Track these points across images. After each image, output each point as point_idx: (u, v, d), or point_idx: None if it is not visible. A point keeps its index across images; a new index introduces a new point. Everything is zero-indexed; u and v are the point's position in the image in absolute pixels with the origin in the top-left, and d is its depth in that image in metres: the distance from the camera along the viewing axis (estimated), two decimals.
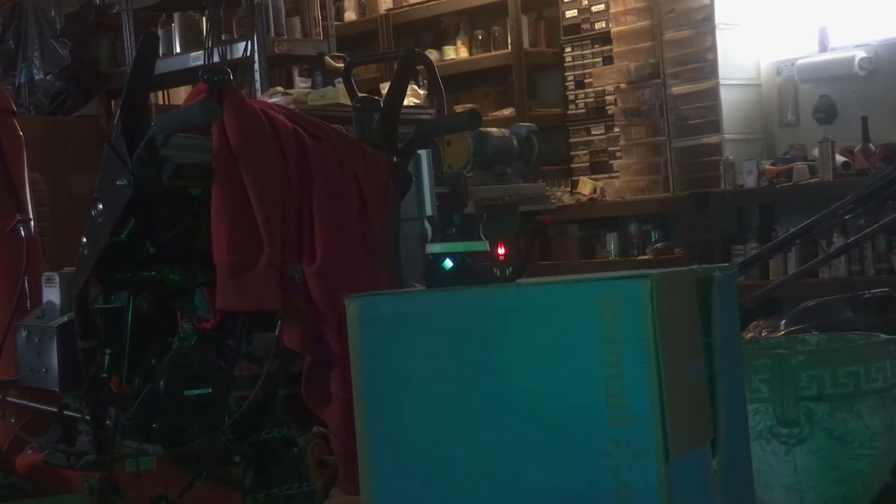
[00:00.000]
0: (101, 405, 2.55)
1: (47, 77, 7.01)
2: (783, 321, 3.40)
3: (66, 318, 2.67)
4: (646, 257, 6.65)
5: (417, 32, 8.20)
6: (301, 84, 6.56)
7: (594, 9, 7.09)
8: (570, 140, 7.31)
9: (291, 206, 2.46)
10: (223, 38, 6.18)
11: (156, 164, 2.38)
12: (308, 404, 2.55)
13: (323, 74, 6.32)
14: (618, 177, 6.95)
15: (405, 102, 3.09)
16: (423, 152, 3.68)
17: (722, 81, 6.42)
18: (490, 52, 7.71)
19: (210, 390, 2.53)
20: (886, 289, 3.46)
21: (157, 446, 2.56)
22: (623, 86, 6.83)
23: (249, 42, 6.01)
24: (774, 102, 6.57)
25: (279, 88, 5.99)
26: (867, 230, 4.24)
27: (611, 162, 7.08)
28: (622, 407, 1.56)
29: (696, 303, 1.74)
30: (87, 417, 2.58)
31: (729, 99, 6.46)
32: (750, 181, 6.23)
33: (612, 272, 1.66)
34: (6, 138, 3.13)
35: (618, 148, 6.96)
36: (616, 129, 6.95)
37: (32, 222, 3.11)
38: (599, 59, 7.10)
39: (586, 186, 7.04)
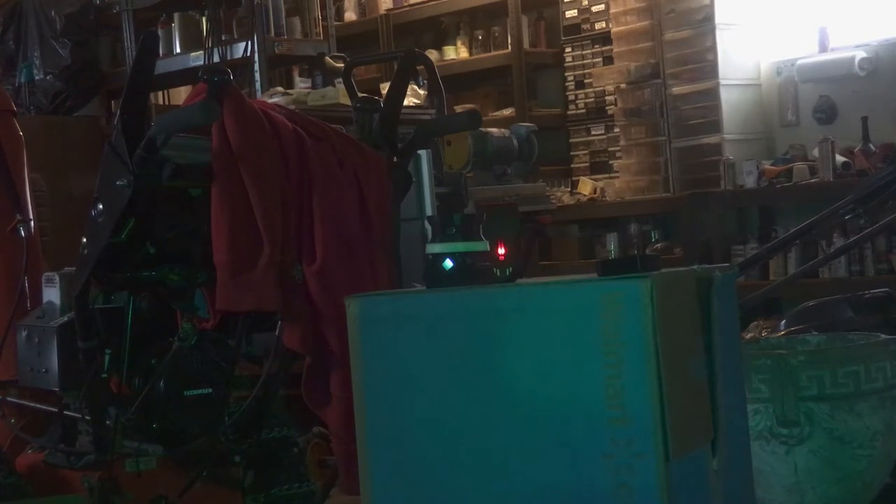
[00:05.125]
0: (101, 405, 2.55)
1: (47, 77, 7.01)
2: (783, 321, 3.39)
3: (66, 318, 2.67)
4: None
5: (417, 32, 8.20)
6: (301, 84, 6.56)
7: (594, 9, 7.08)
8: (570, 140, 7.31)
9: (291, 206, 2.46)
10: (223, 38, 6.17)
11: (156, 164, 2.38)
12: (308, 404, 2.55)
13: (323, 74, 6.32)
14: (618, 177, 6.95)
15: (405, 102, 3.09)
16: (423, 152, 3.68)
17: (722, 81, 6.42)
18: (490, 52, 7.70)
19: (210, 390, 2.53)
20: (886, 289, 3.46)
21: (157, 446, 2.56)
22: (623, 86, 6.82)
23: (249, 42, 6.01)
24: (774, 102, 6.56)
25: (279, 88, 5.98)
26: (867, 230, 4.24)
27: (611, 162, 7.07)
28: (622, 407, 1.56)
29: (696, 303, 1.74)
30: (87, 417, 2.58)
31: (729, 99, 6.45)
32: (750, 181, 6.23)
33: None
34: (6, 138, 3.13)
35: (618, 148, 6.96)
36: (616, 129, 6.95)
37: (32, 222, 3.11)
38: (599, 59, 7.10)
39: (586, 186, 7.04)
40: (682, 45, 6.58)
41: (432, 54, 7.16)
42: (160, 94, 7.47)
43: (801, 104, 6.46)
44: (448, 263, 1.76)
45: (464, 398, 1.66)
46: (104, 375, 2.52)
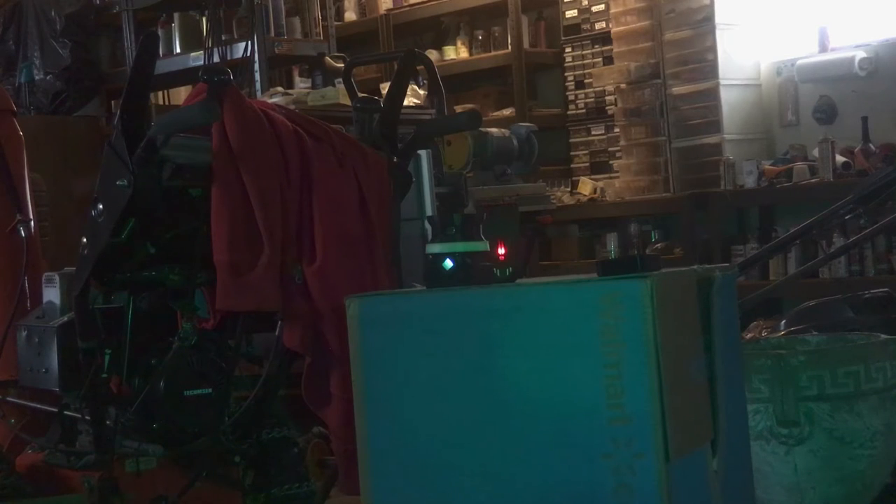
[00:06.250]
0: (101, 405, 2.55)
1: (47, 77, 7.01)
2: (783, 321, 3.40)
3: (66, 318, 2.67)
4: None
5: (417, 32, 8.20)
6: (301, 84, 6.56)
7: (594, 9, 7.08)
8: (570, 140, 7.31)
9: (291, 206, 2.46)
10: (223, 38, 6.17)
11: (156, 164, 2.38)
12: (308, 404, 2.55)
13: (323, 74, 6.32)
14: (618, 177, 6.94)
15: (405, 102, 3.09)
16: (423, 152, 3.68)
17: (722, 81, 6.42)
18: (490, 52, 7.70)
19: (210, 390, 2.53)
20: (886, 289, 3.46)
21: (157, 446, 2.56)
22: (623, 86, 6.82)
23: (249, 42, 6.01)
24: (774, 102, 6.56)
25: (279, 88, 5.98)
26: (867, 230, 4.24)
27: (611, 162, 7.07)
28: (622, 407, 1.56)
29: (696, 303, 1.74)
30: (87, 417, 2.58)
31: (729, 99, 6.45)
32: (750, 181, 6.23)
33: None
34: (6, 138, 3.13)
35: (618, 148, 6.95)
36: (616, 129, 6.95)
37: (32, 222, 3.11)
38: (599, 59, 7.10)
39: (586, 186, 7.04)
40: (682, 45, 6.58)
41: (432, 54, 7.16)
42: (160, 94, 7.47)
43: (801, 104, 6.46)
44: (448, 263, 1.76)
45: (464, 398, 1.66)
46: (104, 375, 2.52)
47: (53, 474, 2.68)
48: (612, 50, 6.92)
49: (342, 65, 5.55)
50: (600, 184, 7.03)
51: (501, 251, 1.85)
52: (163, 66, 6.07)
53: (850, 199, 3.61)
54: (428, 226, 1.88)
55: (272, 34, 6.15)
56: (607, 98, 7.06)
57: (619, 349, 1.56)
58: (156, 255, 2.50)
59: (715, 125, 6.45)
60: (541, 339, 1.61)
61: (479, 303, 1.67)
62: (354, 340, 1.73)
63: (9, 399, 2.92)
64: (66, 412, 2.69)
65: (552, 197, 6.50)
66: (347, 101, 4.88)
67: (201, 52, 6.17)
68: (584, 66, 7.19)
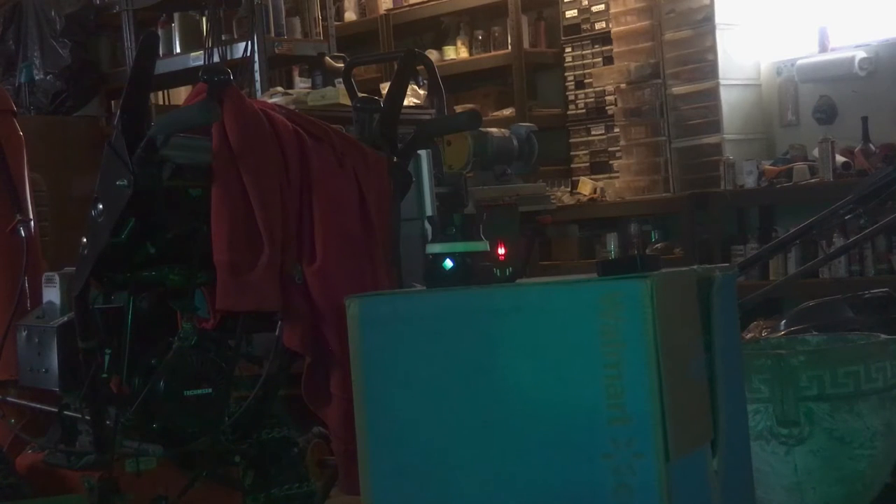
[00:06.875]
0: (101, 405, 2.55)
1: (47, 77, 7.01)
2: (783, 321, 3.40)
3: (66, 318, 2.67)
4: None
5: (417, 32, 8.20)
6: (301, 84, 6.56)
7: (594, 9, 7.08)
8: (570, 140, 7.31)
9: (291, 206, 2.46)
10: (223, 38, 6.17)
11: (156, 164, 2.39)
12: (308, 404, 2.55)
13: (323, 74, 6.32)
14: (618, 177, 6.95)
15: (405, 102, 3.09)
16: (423, 152, 3.68)
17: (722, 81, 6.42)
18: (490, 52, 7.70)
19: (210, 390, 2.53)
20: (886, 289, 3.47)
21: (157, 446, 2.56)
22: (623, 86, 6.82)
23: (249, 42, 6.01)
24: (774, 102, 6.56)
25: (279, 88, 5.98)
26: (867, 230, 4.24)
27: (611, 162, 7.07)
28: (622, 407, 1.56)
29: (696, 303, 1.74)
30: (87, 417, 2.58)
31: (729, 99, 6.45)
32: (750, 181, 6.23)
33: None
34: (6, 138, 3.13)
35: (618, 148, 6.96)
36: (616, 129, 6.95)
37: (32, 222, 3.11)
38: (599, 59, 7.10)
39: (586, 186, 7.04)
40: (682, 45, 6.58)
41: (432, 54, 7.16)
42: (160, 94, 7.47)
43: (801, 104, 6.46)
44: (448, 263, 1.76)
45: (464, 398, 1.66)
46: (104, 375, 2.52)
47: (53, 474, 2.68)
48: (612, 50, 6.92)
49: (342, 65, 5.54)
50: (600, 184, 7.03)
51: (501, 251, 1.85)
52: (163, 66, 6.07)
53: (850, 199, 3.61)
54: (428, 226, 1.88)
55: (272, 34, 6.15)
56: (607, 98, 7.06)
57: (619, 349, 1.56)
58: (156, 255, 2.50)
59: (715, 125, 6.46)
60: (541, 339, 1.61)
61: (479, 303, 1.67)
62: (354, 340, 1.73)
63: (9, 399, 2.92)
64: (66, 412, 2.69)
65: (552, 197, 6.49)
66: (347, 101, 4.88)
67: (201, 52, 6.16)
68: (584, 66, 7.19)
